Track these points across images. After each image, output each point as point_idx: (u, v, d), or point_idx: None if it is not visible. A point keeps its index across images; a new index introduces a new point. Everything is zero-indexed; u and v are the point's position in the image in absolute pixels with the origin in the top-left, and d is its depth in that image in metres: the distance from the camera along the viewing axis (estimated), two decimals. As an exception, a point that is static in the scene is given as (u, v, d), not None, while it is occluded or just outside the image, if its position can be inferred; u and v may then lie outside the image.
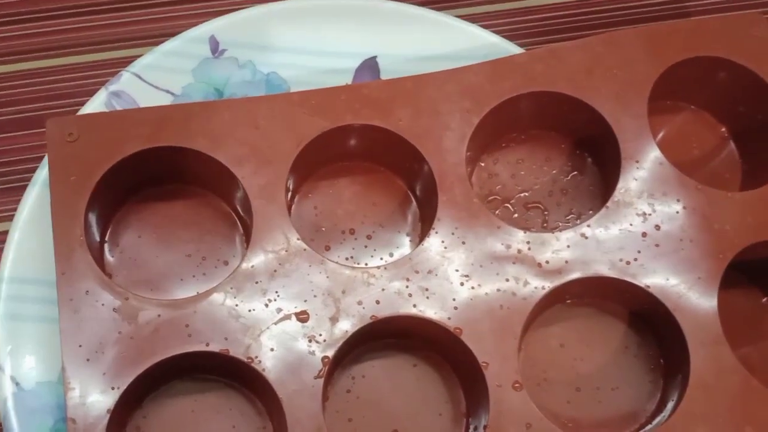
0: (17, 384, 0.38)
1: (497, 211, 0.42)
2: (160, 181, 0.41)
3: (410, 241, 0.42)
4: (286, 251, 0.38)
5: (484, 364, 0.36)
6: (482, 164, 0.44)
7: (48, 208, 0.40)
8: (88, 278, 0.36)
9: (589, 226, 0.39)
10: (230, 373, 0.38)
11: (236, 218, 0.41)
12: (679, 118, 0.45)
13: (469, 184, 0.40)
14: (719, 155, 0.44)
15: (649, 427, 0.38)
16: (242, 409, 0.38)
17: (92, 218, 0.39)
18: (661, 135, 0.44)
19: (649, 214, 0.39)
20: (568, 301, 0.40)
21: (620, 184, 0.39)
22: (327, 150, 0.41)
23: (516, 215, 0.43)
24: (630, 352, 0.40)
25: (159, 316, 0.36)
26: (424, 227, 0.42)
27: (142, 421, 0.37)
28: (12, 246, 0.40)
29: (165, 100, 0.44)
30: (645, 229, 0.39)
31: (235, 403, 0.38)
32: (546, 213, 0.43)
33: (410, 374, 0.39)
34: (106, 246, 0.40)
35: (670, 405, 0.38)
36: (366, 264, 0.41)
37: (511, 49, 0.45)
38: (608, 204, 0.39)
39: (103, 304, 0.36)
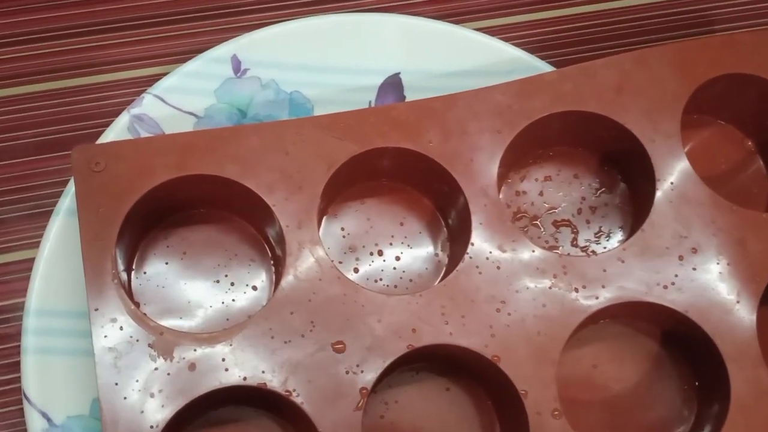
0: (48, 419, 0.37)
1: (526, 229, 0.42)
2: (186, 207, 0.41)
3: (439, 261, 0.42)
4: (320, 279, 0.37)
5: (523, 392, 0.36)
6: (509, 181, 0.43)
7: (73, 238, 0.39)
8: (122, 314, 0.36)
9: (624, 249, 0.39)
10: (267, 405, 0.37)
11: (264, 242, 0.41)
12: (706, 132, 0.45)
13: (503, 207, 0.39)
14: (747, 170, 0.44)
15: (685, 449, 0.38)
16: (277, 439, 0.38)
17: (120, 248, 0.38)
18: (687, 149, 0.44)
19: (685, 237, 0.39)
20: (601, 322, 0.40)
21: (655, 206, 0.39)
22: (356, 172, 0.41)
23: (545, 233, 0.42)
24: (664, 373, 0.40)
25: (195, 350, 0.35)
26: (453, 247, 0.42)
27: (176, 453, 0.37)
28: (37, 278, 0.39)
29: (188, 122, 0.43)
30: (681, 252, 0.39)
31: None
32: (575, 231, 0.43)
33: (443, 399, 0.39)
34: (133, 274, 0.40)
35: (707, 428, 0.38)
36: (395, 286, 0.41)
37: (535, 63, 0.45)
38: (644, 227, 0.39)
39: (138, 340, 0.35)
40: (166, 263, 0.40)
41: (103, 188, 0.37)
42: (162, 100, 0.43)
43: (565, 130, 0.42)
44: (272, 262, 0.41)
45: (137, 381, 0.35)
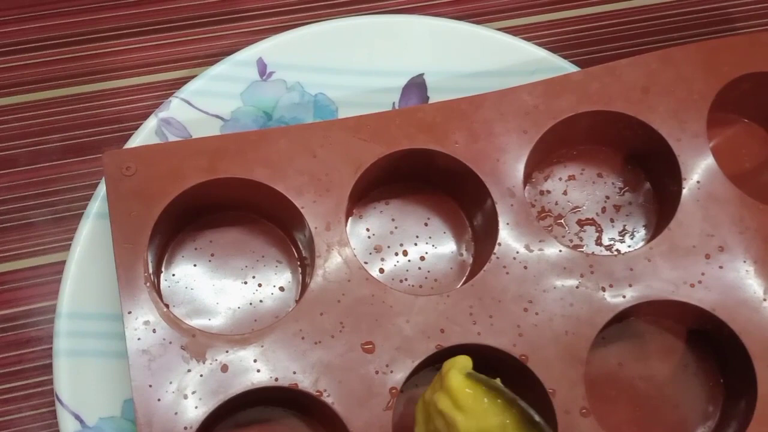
0: (81, 421, 0.38)
1: (550, 228, 0.42)
2: (214, 210, 0.41)
3: (464, 261, 0.42)
4: (349, 281, 0.38)
5: (551, 391, 0.37)
6: (533, 180, 0.43)
7: (103, 241, 0.40)
8: (155, 316, 0.36)
9: (651, 248, 0.39)
10: (298, 406, 0.38)
11: (291, 244, 0.41)
12: (729, 131, 0.45)
13: (530, 208, 0.39)
14: (771, 168, 0.44)
15: (712, 446, 0.38)
16: (308, 438, 0.38)
17: (150, 250, 0.38)
18: (711, 146, 0.44)
19: (712, 235, 0.39)
20: (626, 320, 0.40)
21: (682, 205, 0.39)
22: (382, 174, 0.41)
23: (569, 232, 0.43)
24: (689, 370, 0.40)
25: (227, 352, 0.36)
26: (477, 247, 0.42)
27: (209, 454, 0.37)
28: (68, 281, 0.39)
29: (215, 125, 0.43)
30: (708, 250, 0.39)
31: None
32: (599, 230, 0.43)
33: (471, 398, 0.39)
34: (161, 276, 0.40)
35: (733, 425, 0.38)
36: (420, 286, 0.41)
37: (559, 63, 0.45)
38: (670, 226, 0.39)
39: (171, 342, 0.36)
40: (195, 265, 0.41)
41: (135, 192, 0.38)
42: (189, 103, 0.43)
43: (590, 129, 0.42)
44: (299, 263, 0.41)
45: (171, 383, 0.35)
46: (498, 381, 0.34)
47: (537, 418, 0.32)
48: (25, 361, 0.41)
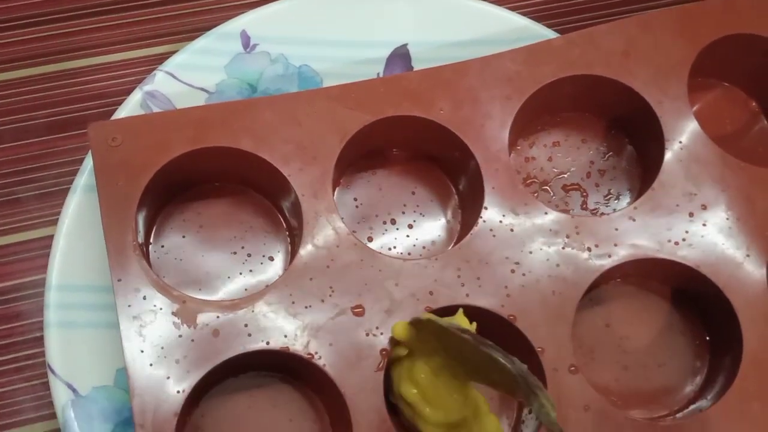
0: (74, 390, 0.38)
1: (536, 194, 0.43)
2: (201, 181, 0.41)
3: (451, 228, 0.42)
4: (338, 246, 0.38)
5: (539, 350, 0.37)
6: (518, 148, 0.44)
7: (90, 214, 0.40)
8: (145, 284, 0.36)
9: (636, 208, 0.39)
10: (287, 369, 0.38)
11: (278, 214, 0.41)
12: (711, 95, 0.45)
13: (515, 173, 0.40)
14: (752, 130, 0.45)
15: (699, 402, 0.39)
16: (298, 403, 0.38)
17: (139, 221, 0.38)
18: (693, 111, 0.44)
19: (695, 194, 0.39)
20: (612, 282, 0.41)
21: (665, 165, 0.40)
22: (368, 142, 0.41)
23: (555, 198, 0.43)
24: (675, 329, 0.41)
25: (218, 317, 0.36)
26: (464, 215, 0.42)
27: (200, 420, 0.38)
28: (57, 254, 0.39)
29: (200, 97, 0.43)
30: (691, 209, 0.39)
31: (290, 397, 0.38)
32: (585, 195, 0.43)
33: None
34: (150, 248, 0.40)
35: (719, 381, 0.39)
36: (409, 253, 0.41)
37: (542, 31, 0.45)
38: (654, 185, 0.39)
39: (161, 309, 0.36)
40: (183, 236, 0.41)
41: (121, 163, 0.38)
42: (173, 76, 0.43)
43: (573, 95, 0.43)
44: (287, 233, 0.41)
45: (162, 348, 0.35)
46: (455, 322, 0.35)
47: (503, 360, 0.32)
48: (15, 334, 0.41)
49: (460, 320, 0.36)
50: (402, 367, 0.36)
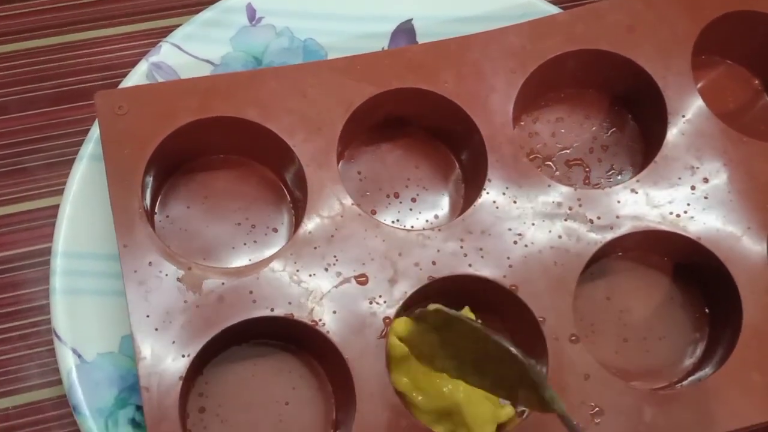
0: (79, 356, 0.38)
1: (539, 169, 0.43)
2: (205, 152, 0.41)
3: (454, 202, 0.43)
4: (342, 216, 0.38)
5: (541, 319, 0.37)
6: (522, 123, 0.44)
7: (97, 182, 0.40)
8: (150, 250, 0.36)
9: (638, 181, 0.40)
10: (290, 337, 0.38)
11: (282, 186, 0.42)
12: (713, 73, 0.46)
13: (519, 147, 0.40)
14: (754, 108, 0.45)
15: (699, 373, 0.39)
16: (301, 372, 0.39)
17: (144, 190, 0.39)
18: (697, 88, 0.45)
19: (697, 168, 0.40)
20: (613, 255, 0.41)
21: (668, 139, 0.40)
22: (372, 115, 0.41)
23: (558, 173, 0.43)
24: (675, 302, 0.41)
25: (223, 284, 0.36)
26: (467, 188, 0.43)
27: (204, 387, 0.38)
28: (64, 221, 0.40)
29: (205, 70, 0.44)
30: (693, 182, 0.40)
31: (293, 365, 0.39)
32: (587, 170, 0.43)
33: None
34: (155, 217, 0.41)
35: (719, 352, 0.39)
36: (412, 226, 0.42)
37: (547, 8, 0.45)
38: (656, 159, 0.40)
39: (166, 275, 0.36)
40: (188, 207, 0.41)
41: (127, 131, 0.38)
42: (179, 48, 0.43)
43: (576, 70, 0.43)
44: (291, 205, 0.41)
45: (167, 313, 0.36)
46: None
47: (515, 350, 0.32)
48: (21, 302, 0.41)
49: (467, 314, 0.36)
50: (395, 359, 0.37)
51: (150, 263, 0.36)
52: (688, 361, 0.40)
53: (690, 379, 0.39)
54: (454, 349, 0.34)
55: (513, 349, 0.32)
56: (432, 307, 0.35)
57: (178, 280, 0.36)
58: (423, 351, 0.35)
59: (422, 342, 0.35)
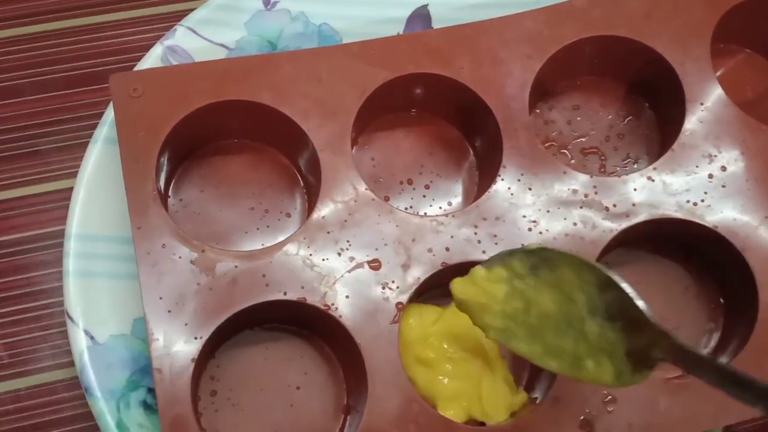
0: (92, 338, 0.38)
1: (554, 157, 0.43)
2: (219, 137, 0.41)
3: (468, 189, 0.42)
4: (355, 201, 0.38)
5: (555, 307, 0.37)
6: (538, 111, 0.44)
7: (110, 166, 0.40)
8: (164, 232, 0.36)
9: (655, 168, 0.39)
10: (303, 322, 0.38)
11: (296, 171, 0.42)
12: (732, 61, 0.45)
13: (534, 134, 0.40)
14: (773, 97, 0.45)
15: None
16: (312, 357, 0.39)
17: (158, 173, 0.39)
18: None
19: (715, 156, 0.39)
20: (628, 245, 0.41)
21: (685, 126, 0.40)
22: (387, 101, 0.41)
23: (573, 161, 0.43)
24: (690, 292, 0.41)
25: (236, 267, 0.36)
26: (482, 175, 0.42)
27: (216, 370, 0.38)
28: (77, 204, 0.40)
29: (220, 54, 0.43)
30: (711, 170, 0.39)
31: (305, 350, 0.39)
32: (603, 158, 0.43)
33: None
34: (169, 201, 0.41)
35: (734, 342, 0.39)
36: (425, 213, 0.41)
37: (563, -6, 0.45)
38: (674, 147, 0.39)
39: (180, 257, 0.36)
40: (202, 191, 0.41)
41: (142, 113, 0.38)
42: (194, 32, 0.43)
43: (593, 57, 0.42)
44: (305, 190, 0.41)
45: (180, 295, 0.36)
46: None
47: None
48: (34, 284, 0.41)
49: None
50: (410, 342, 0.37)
51: (163, 245, 0.36)
52: (703, 352, 0.40)
53: (704, 369, 0.39)
54: (520, 304, 0.32)
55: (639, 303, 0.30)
56: (533, 245, 0.33)
57: (192, 262, 0.36)
58: (478, 301, 0.33)
59: (485, 292, 0.33)
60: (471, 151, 0.43)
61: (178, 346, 0.35)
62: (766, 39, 0.44)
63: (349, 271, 0.37)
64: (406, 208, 0.42)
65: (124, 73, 0.39)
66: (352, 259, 0.37)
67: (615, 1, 0.42)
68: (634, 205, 0.39)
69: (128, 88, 0.38)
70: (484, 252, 0.38)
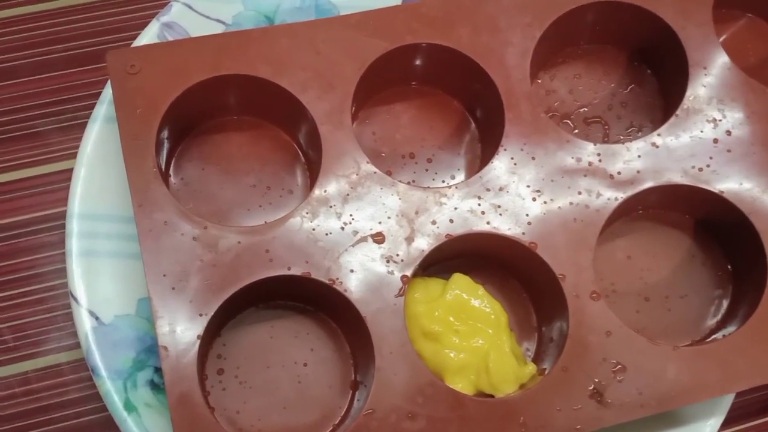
0: (96, 318, 0.38)
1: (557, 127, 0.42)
2: (218, 114, 0.41)
3: (470, 161, 0.42)
4: (357, 175, 0.38)
5: (561, 276, 0.37)
6: (539, 81, 0.43)
7: (110, 145, 0.40)
8: (166, 209, 0.36)
9: (659, 135, 0.39)
10: (308, 298, 0.38)
11: (297, 147, 0.41)
12: (734, 26, 0.45)
13: (536, 100, 0.39)
14: (777, 61, 0.44)
15: (722, 331, 0.39)
16: (319, 333, 0.38)
17: (158, 150, 0.38)
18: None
19: (720, 120, 0.39)
20: (633, 214, 0.40)
21: (689, 92, 0.39)
22: (386, 73, 0.41)
23: (576, 131, 0.42)
24: (697, 260, 0.40)
25: (239, 243, 0.36)
26: (484, 147, 0.42)
27: (222, 348, 0.38)
28: (79, 183, 0.39)
29: (216, 29, 0.43)
30: (716, 135, 0.39)
31: (311, 327, 0.39)
32: (606, 127, 0.43)
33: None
34: (170, 179, 0.40)
35: (742, 309, 0.38)
36: (428, 187, 0.41)
37: (563, -38, 0.44)
38: (678, 112, 0.39)
39: (182, 234, 0.36)
40: (203, 169, 0.41)
41: (140, 89, 0.38)
42: (190, 8, 0.43)
43: (595, 24, 0.42)
44: (306, 166, 0.41)
45: (184, 272, 0.35)
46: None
47: None
48: (37, 266, 0.41)
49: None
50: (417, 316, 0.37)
51: (165, 222, 0.36)
52: (711, 319, 0.40)
53: (713, 337, 0.39)
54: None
55: None
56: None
57: (194, 239, 0.36)
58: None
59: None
60: (472, 123, 0.43)
61: (183, 323, 0.35)
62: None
63: (352, 245, 0.37)
64: (409, 183, 0.41)
65: (120, 49, 0.39)
66: (355, 233, 0.37)
67: (616, -33, 0.41)
68: (638, 172, 0.38)
69: (125, 65, 0.38)
70: (488, 223, 0.38)
